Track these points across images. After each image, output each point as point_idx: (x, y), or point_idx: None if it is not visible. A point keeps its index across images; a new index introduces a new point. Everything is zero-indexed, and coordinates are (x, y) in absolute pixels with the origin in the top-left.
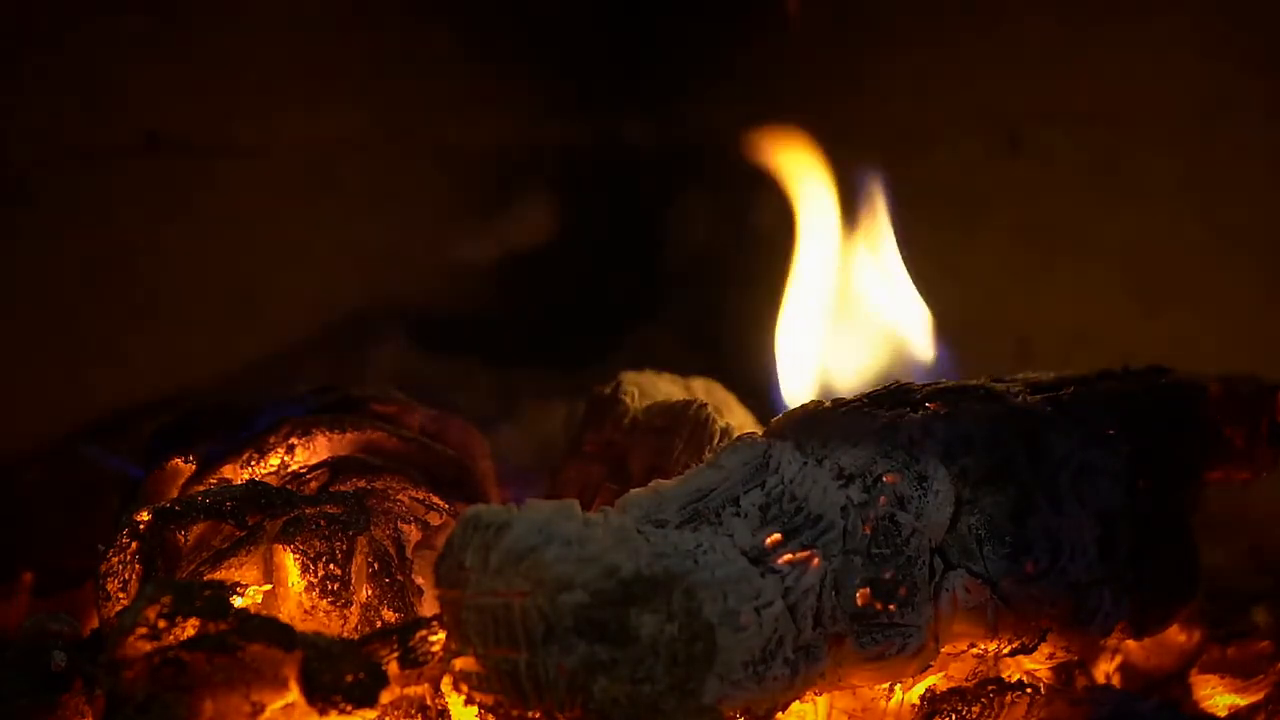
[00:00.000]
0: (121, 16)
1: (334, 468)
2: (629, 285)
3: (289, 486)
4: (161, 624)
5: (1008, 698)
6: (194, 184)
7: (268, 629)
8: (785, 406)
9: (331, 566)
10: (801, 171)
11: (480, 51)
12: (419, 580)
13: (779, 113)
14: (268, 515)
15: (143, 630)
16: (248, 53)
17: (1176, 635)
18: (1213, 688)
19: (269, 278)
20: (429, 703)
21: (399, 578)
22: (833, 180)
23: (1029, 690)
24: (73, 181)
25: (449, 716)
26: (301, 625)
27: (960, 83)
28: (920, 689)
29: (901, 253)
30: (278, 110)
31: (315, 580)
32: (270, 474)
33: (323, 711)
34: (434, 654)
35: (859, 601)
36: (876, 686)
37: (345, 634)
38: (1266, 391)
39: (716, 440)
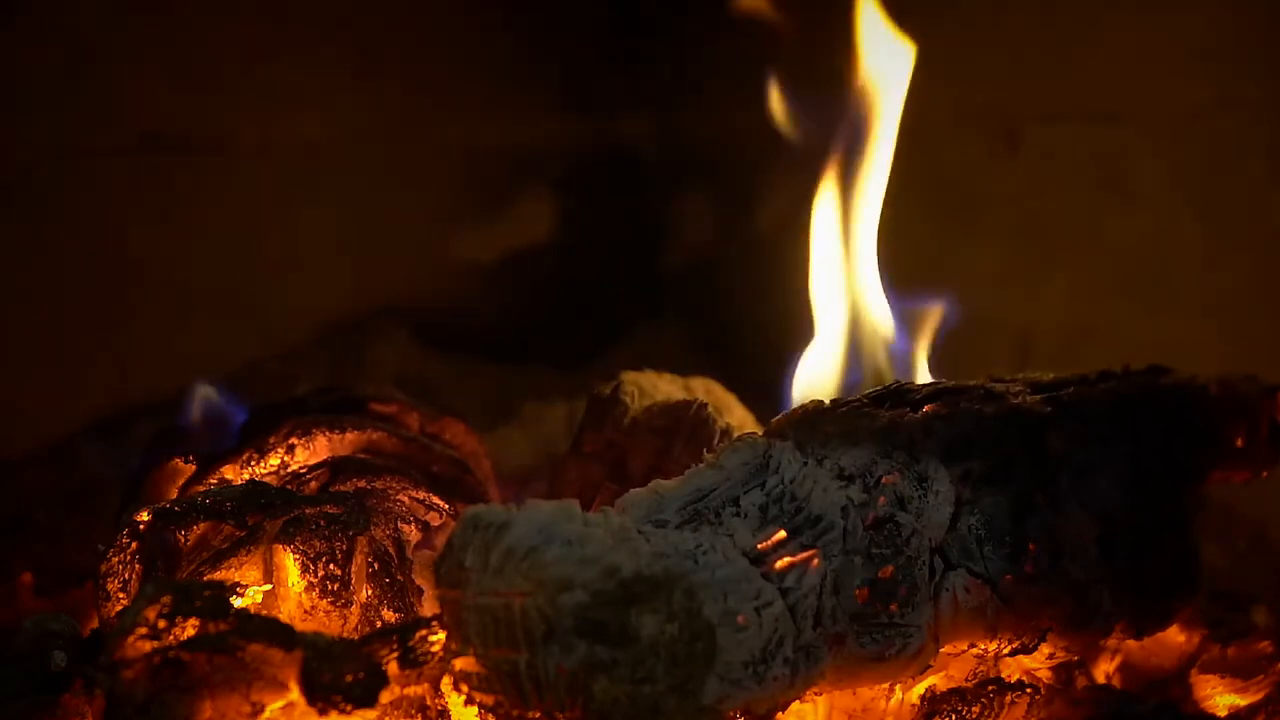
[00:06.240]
0: (121, 16)
1: (334, 468)
2: (629, 285)
3: (289, 486)
4: (161, 624)
5: (1008, 698)
6: (194, 184)
7: (268, 629)
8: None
9: (331, 566)
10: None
11: (480, 51)
12: (419, 580)
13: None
14: (268, 515)
15: (143, 630)
16: (248, 52)
17: (1176, 635)
18: (1213, 688)
19: (268, 277)
20: (429, 703)
21: (399, 578)
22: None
23: (1029, 690)
24: (73, 181)
25: (449, 716)
26: (301, 625)
27: (960, 83)
28: (920, 689)
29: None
30: (278, 110)
31: (315, 580)
32: (270, 474)
33: (323, 711)
34: (434, 654)
35: (859, 601)
36: (876, 686)
37: (345, 634)
38: (1266, 391)
39: (716, 440)
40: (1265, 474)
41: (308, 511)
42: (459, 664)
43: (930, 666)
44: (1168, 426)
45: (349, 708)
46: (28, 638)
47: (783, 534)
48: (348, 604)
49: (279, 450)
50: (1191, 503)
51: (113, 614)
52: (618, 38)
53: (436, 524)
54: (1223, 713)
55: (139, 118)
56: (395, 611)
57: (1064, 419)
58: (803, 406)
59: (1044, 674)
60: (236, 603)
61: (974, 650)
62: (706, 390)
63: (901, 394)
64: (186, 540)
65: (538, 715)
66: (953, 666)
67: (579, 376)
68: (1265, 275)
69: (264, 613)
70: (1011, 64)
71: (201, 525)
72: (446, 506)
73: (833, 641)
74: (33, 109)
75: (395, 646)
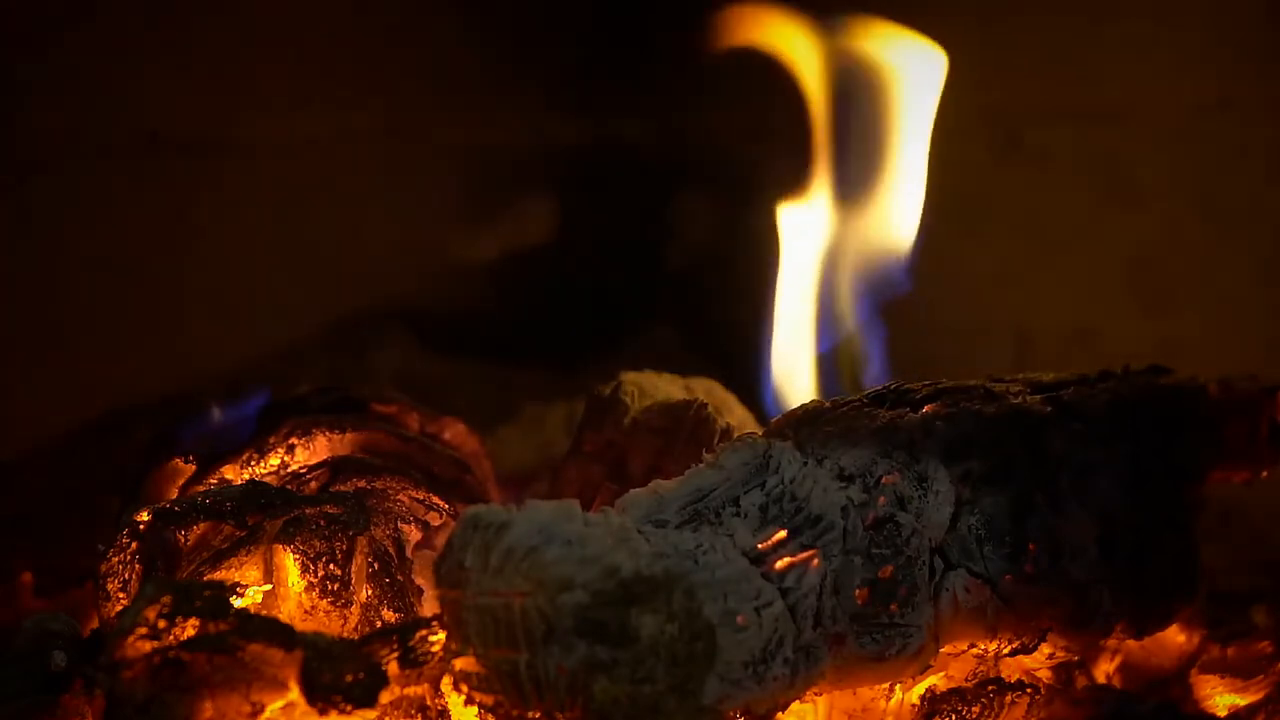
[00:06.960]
0: (123, 16)
1: (334, 468)
2: (629, 285)
3: (289, 486)
4: (161, 624)
5: (1008, 698)
6: (194, 184)
7: (268, 629)
8: (776, 404)
9: (331, 566)
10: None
11: (480, 51)
12: (419, 580)
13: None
14: (268, 515)
15: (143, 630)
16: (248, 53)
17: (1176, 635)
18: (1213, 688)
19: (269, 278)
20: (429, 703)
21: (399, 578)
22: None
23: (1029, 690)
24: (73, 181)
25: (449, 716)
26: (301, 625)
27: (960, 83)
28: (920, 689)
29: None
30: (278, 110)
31: (315, 580)
32: (270, 474)
33: (323, 711)
34: (434, 654)
35: (859, 601)
36: (876, 686)
37: (345, 634)
38: (1266, 391)
39: (716, 440)
40: (1265, 474)
41: (308, 511)
42: (459, 664)
43: (930, 666)
44: (1168, 426)
45: (349, 708)
46: (28, 638)
47: (783, 534)
48: (348, 604)
49: (279, 450)
50: (1191, 503)
51: (113, 614)
52: (617, 38)
53: (436, 524)
54: (1223, 713)
55: (141, 117)
56: (395, 611)
57: (1064, 419)
58: (803, 406)
59: (1044, 674)
60: (236, 603)
61: (974, 650)
62: (706, 390)
63: (901, 394)
64: (186, 540)
65: (538, 715)
66: (953, 666)
67: (579, 376)
68: (1265, 275)
69: (264, 613)
70: (1011, 64)
71: (201, 525)
72: (446, 506)
73: (833, 641)
74: (33, 109)
75: (395, 646)
